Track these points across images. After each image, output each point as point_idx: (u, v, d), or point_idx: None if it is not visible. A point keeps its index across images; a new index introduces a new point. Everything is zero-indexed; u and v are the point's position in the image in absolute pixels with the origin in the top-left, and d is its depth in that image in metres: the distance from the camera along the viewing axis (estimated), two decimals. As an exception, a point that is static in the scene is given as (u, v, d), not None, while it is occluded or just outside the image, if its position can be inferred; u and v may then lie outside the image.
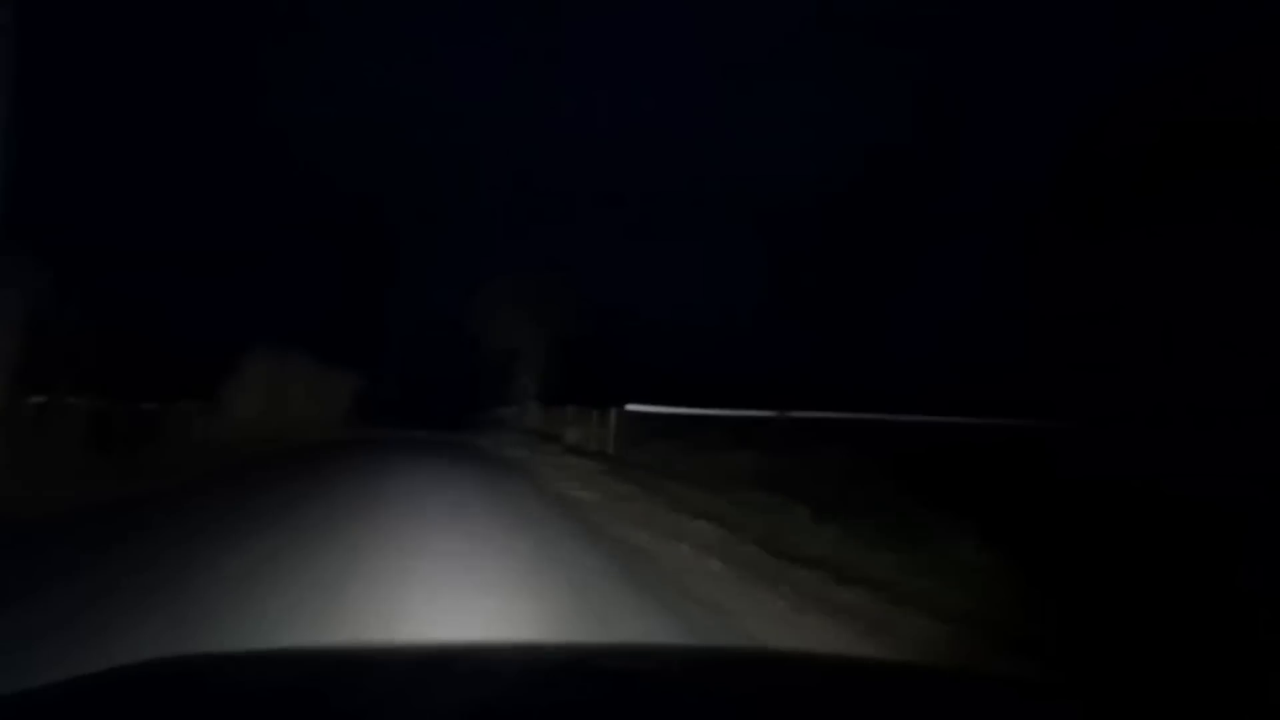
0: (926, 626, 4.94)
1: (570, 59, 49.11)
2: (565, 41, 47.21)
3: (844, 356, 21.37)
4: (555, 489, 12.35)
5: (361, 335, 35.14)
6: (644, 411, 17.00)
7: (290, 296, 31.08)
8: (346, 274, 36.38)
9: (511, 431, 26.57)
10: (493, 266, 30.47)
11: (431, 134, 40.13)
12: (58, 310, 13.58)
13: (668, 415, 16.66)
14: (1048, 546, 5.61)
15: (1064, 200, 13.48)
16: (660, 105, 44.44)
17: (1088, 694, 2.67)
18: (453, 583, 5.59)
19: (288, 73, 34.20)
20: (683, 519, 9.06)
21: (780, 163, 30.88)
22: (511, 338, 30.01)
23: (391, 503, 9.59)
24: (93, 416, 13.35)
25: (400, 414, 32.73)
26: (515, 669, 1.64)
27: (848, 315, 24.12)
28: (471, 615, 4.82)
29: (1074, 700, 1.77)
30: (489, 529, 8.06)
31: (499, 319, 29.44)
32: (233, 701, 1.32)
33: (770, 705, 1.42)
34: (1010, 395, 11.91)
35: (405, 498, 10.18)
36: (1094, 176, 12.65)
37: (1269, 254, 8.93)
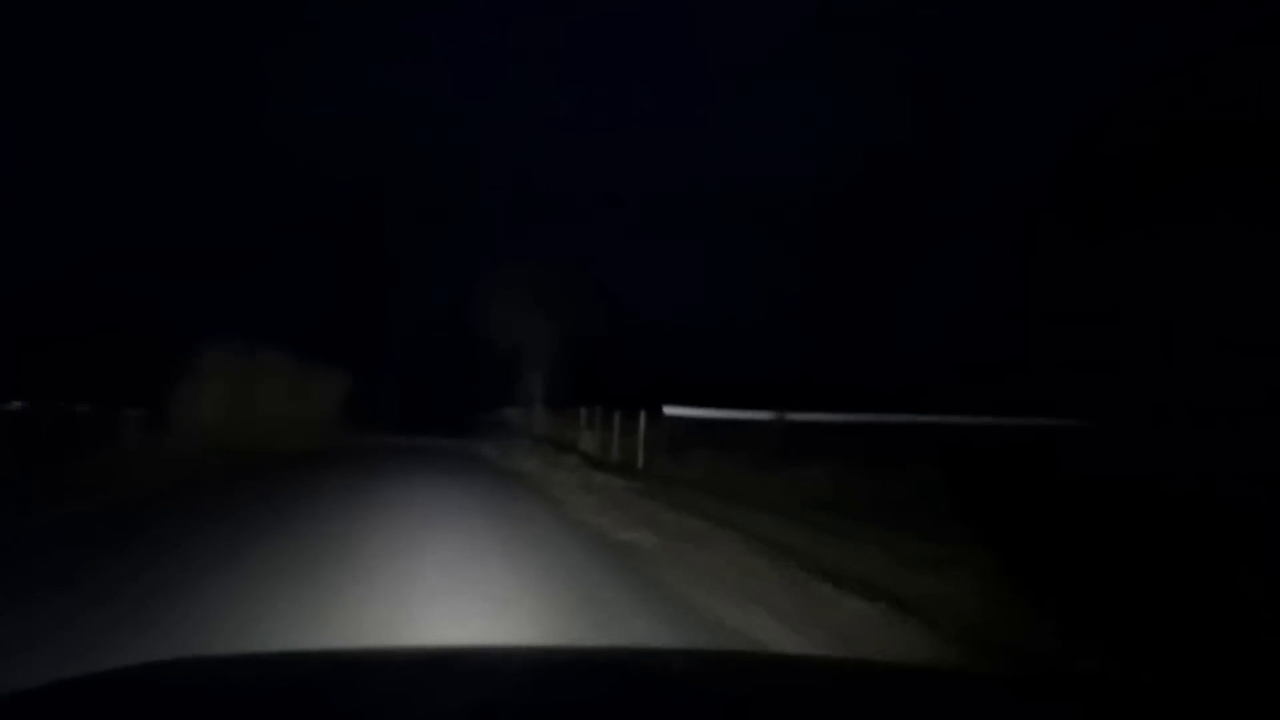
0: None
1: (570, 59, 49.18)
2: (565, 41, 47.30)
3: (845, 356, 21.37)
4: (592, 524, 9.04)
5: (360, 335, 35.06)
6: (682, 416, 13.79)
7: (289, 296, 31.09)
8: (346, 273, 36.44)
9: (517, 437, 24.09)
10: (493, 265, 28.80)
11: (431, 134, 40.21)
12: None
13: (708, 420, 13.56)
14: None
15: (1064, 200, 13.48)
16: (660, 105, 44.52)
17: (1086, 693, 2.67)
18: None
19: (287, 72, 34.24)
20: (810, 582, 5.83)
21: (780, 163, 30.91)
22: (517, 332, 27.43)
23: (355, 584, 5.56)
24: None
25: (398, 416, 31.87)
26: (515, 671, 1.64)
27: (848, 315, 24.14)
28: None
29: (1073, 700, 1.77)
30: (514, 611, 5.06)
31: (504, 311, 26.80)
32: (233, 703, 1.31)
33: (770, 706, 1.41)
34: (1013, 395, 11.87)
35: (397, 556, 6.60)
36: (1094, 176, 12.65)
37: (1269, 254, 8.93)
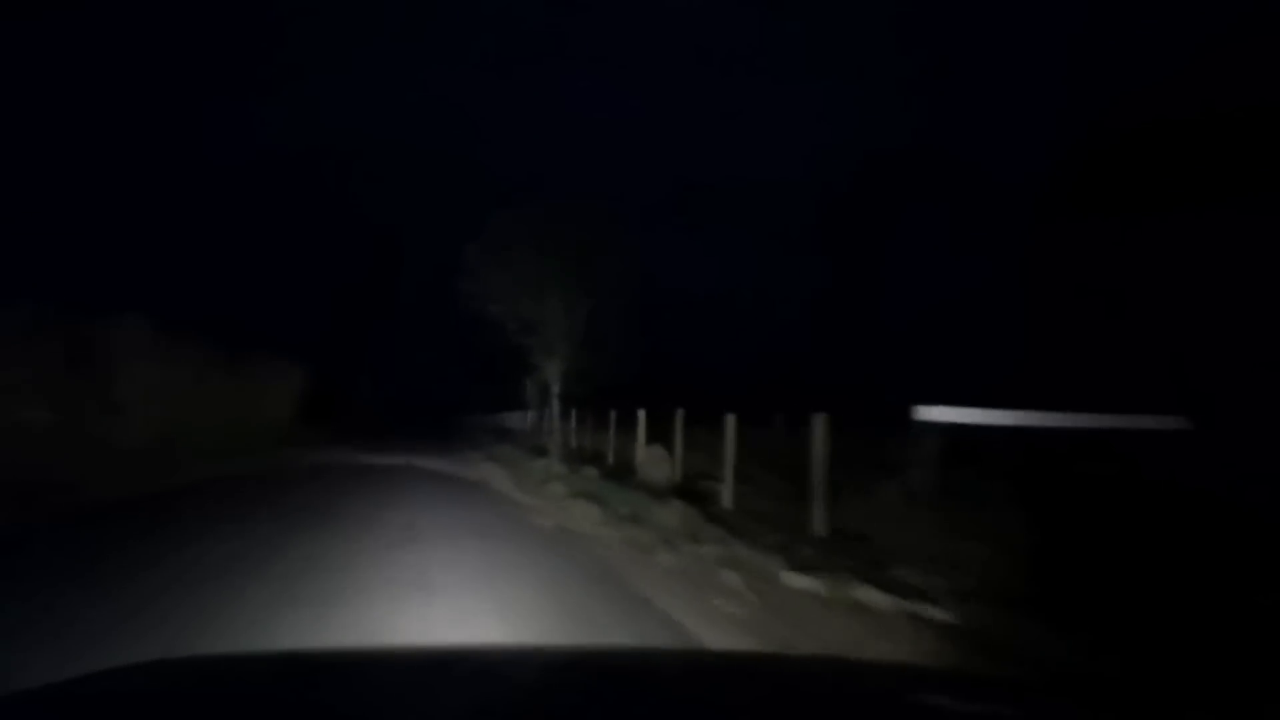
0: None
1: (570, 59, 49.40)
2: (565, 42, 47.47)
3: (844, 352, 21.41)
4: None
5: (341, 332, 34.26)
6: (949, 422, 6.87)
7: (285, 293, 31.00)
8: (341, 270, 36.39)
9: (534, 453, 17.01)
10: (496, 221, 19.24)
11: (430, 132, 40.26)
12: None
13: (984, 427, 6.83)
14: None
15: (1064, 198, 13.54)
16: (660, 105, 44.71)
17: (1085, 694, 2.67)
18: None
19: (285, 64, 34.27)
20: None
21: (780, 163, 30.98)
22: (526, 306, 19.10)
23: None
24: None
25: (375, 420, 28.53)
26: (514, 671, 1.65)
27: (847, 313, 24.25)
28: None
29: (1071, 700, 1.77)
30: None
31: (512, 274, 18.63)
32: (233, 703, 1.31)
33: (769, 707, 1.41)
34: (1016, 392, 11.84)
35: None
36: (1095, 173, 12.71)
37: (1269, 252, 8.96)
